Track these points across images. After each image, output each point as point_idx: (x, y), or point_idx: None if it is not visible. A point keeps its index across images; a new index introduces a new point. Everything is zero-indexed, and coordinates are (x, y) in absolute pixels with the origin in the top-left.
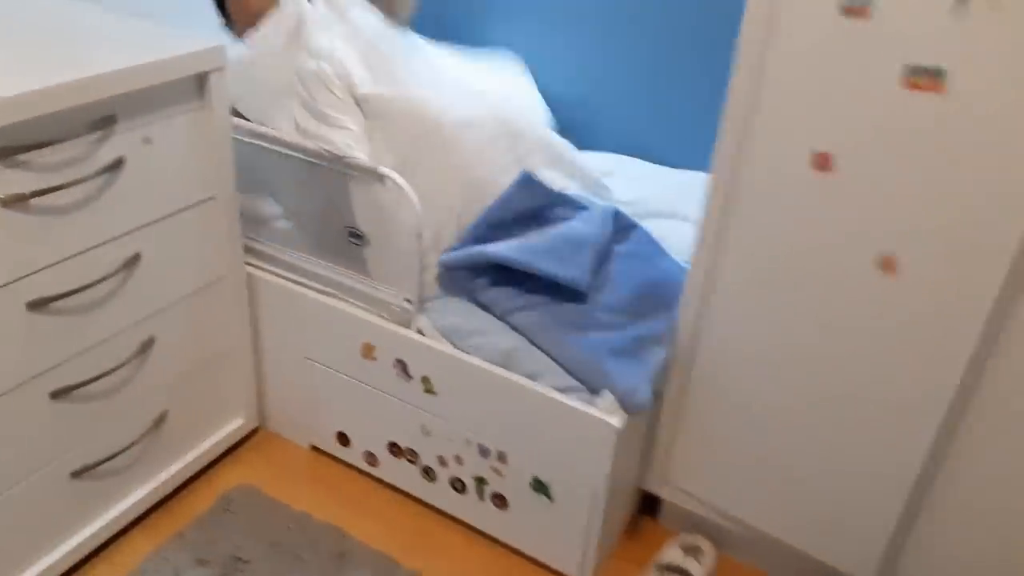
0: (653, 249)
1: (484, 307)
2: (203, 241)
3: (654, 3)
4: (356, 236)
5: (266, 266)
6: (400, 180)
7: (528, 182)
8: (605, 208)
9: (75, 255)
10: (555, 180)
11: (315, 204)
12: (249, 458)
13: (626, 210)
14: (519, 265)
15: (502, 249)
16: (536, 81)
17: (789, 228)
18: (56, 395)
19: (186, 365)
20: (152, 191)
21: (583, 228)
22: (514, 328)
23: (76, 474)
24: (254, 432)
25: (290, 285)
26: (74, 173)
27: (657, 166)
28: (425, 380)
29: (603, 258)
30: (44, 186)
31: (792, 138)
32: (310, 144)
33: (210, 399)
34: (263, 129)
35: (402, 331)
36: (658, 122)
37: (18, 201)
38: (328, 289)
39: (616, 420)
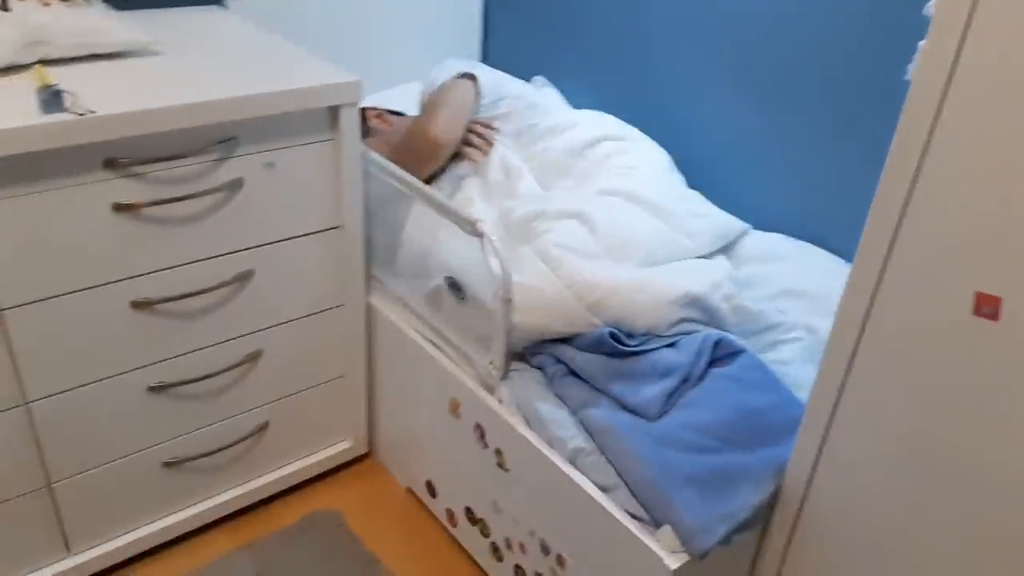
0: (762, 376)
1: (560, 398)
2: (324, 267)
3: (813, 74)
4: (456, 287)
5: (388, 301)
6: (494, 239)
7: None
8: (707, 336)
9: (185, 264)
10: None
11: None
12: (349, 483)
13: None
14: (592, 381)
15: (579, 359)
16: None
17: (940, 370)
18: (153, 389)
19: (294, 381)
20: (271, 214)
21: (673, 356)
22: (584, 427)
23: (168, 464)
24: (364, 458)
25: (402, 324)
26: (189, 188)
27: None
28: (499, 453)
29: (694, 381)
30: (158, 197)
31: (952, 274)
32: (425, 188)
33: (317, 418)
34: (394, 168)
35: (484, 394)
36: (811, 200)
37: (129, 209)
38: (432, 336)
39: (674, 561)
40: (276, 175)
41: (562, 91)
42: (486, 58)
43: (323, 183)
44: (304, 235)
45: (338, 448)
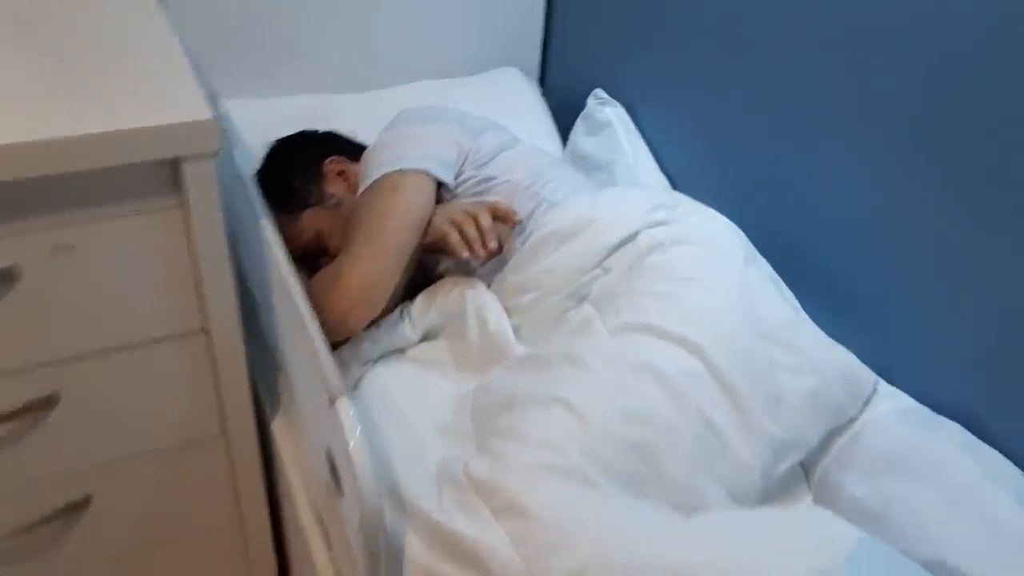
0: None
1: None
2: (181, 388)
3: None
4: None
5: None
6: (350, 413)
7: None
8: None
9: None
10: None
11: None
12: None
13: None
14: None
15: None
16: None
17: None
18: None
19: (140, 539)
20: (79, 315)
21: None
22: None
23: None
24: None
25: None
26: None
27: None
28: None
29: None
30: None
31: None
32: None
33: None
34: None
35: None
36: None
37: None
38: None
39: None
40: (75, 262)
41: (632, 114)
42: (546, 59)
43: (167, 269)
44: (141, 344)
45: None
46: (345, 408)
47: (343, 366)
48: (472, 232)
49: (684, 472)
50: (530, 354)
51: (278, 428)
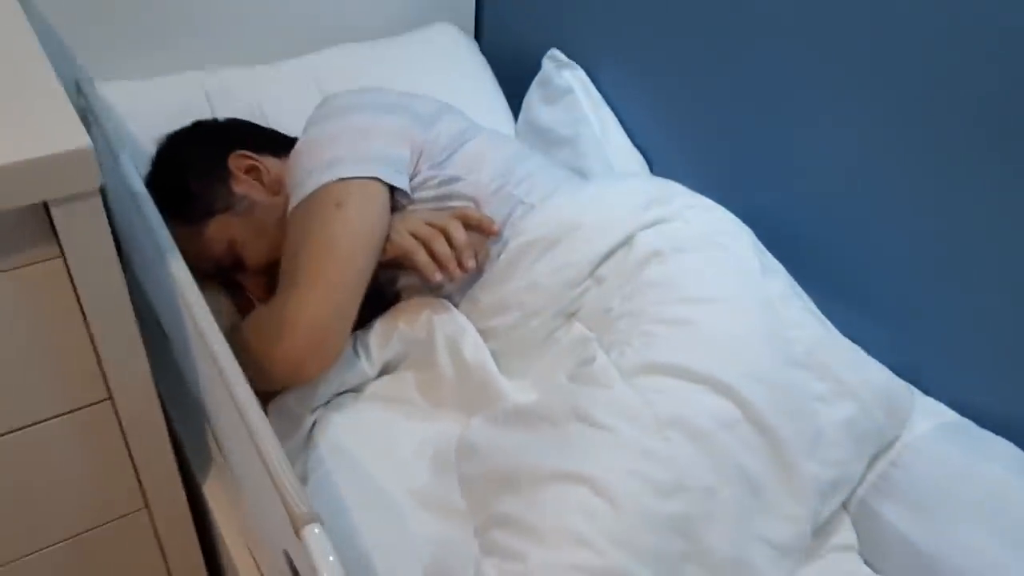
0: None
1: None
2: (80, 465)
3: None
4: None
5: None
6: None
7: None
8: None
9: None
10: None
11: None
12: None
13: None
14: None
15: None
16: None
17: None
18: None
19: None
20: None
21: None
22: None
23: None
24: None
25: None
26: None
27: None
28: None
29: None
30: None
31: None
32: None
33: None
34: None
35: None
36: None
37: None
38: None
39: None
40: None
41: (593, 77)
42: (480, 15)
43: (51, 333)
44: (30, 425)
45: None
46: (316, 540)
47: (288, 416)
48: (443, 249)
49: (729, 543)
50: (524, 407)
51: (211, 493)
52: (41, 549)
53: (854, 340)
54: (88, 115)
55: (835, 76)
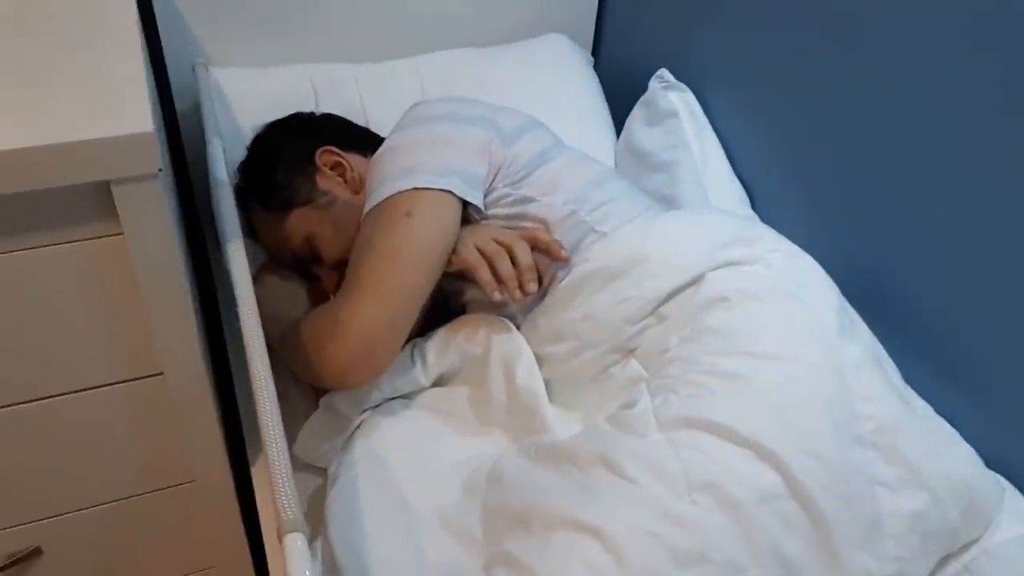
0: None
1: None
2: (134, 436)
3: None
4: None
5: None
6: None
7: None
8: None
9: None
10: None
11: None
12: None
13: None
14: None
15: None
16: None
17: None
18: None
19: None
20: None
21: None
22: None
23: None
24: None
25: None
26: None
27: None
28: None
29: None
30: None
31: None
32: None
33: None
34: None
35: None
36: None
37: None
38: None
39: None
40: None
41: (702, 102)
42: (601, 26)
43: (107, 306)
44: (82, 390)
45: None
46: (296, 551)
47: (334, 414)
48: (506, 269)
49: None
50: (555, 444)
51: (257, 475)
52: (95, 505)
53: (949, 421)
54: (200, 98)
55: (974, 138)
